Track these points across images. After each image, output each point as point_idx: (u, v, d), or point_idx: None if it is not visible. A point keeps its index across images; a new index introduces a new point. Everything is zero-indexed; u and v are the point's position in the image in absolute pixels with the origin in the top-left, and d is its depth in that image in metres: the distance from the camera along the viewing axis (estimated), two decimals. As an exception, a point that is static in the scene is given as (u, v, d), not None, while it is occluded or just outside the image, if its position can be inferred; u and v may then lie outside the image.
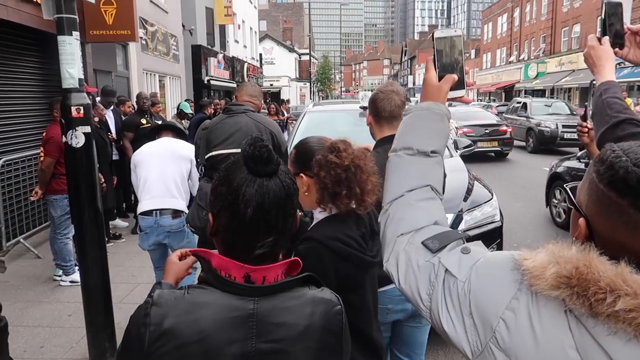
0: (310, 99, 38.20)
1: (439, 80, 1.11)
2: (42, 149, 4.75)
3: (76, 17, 3.26)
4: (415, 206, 1.01)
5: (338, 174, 1.58)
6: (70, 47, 3.19)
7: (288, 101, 23.48)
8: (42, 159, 4.72)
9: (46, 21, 6.22)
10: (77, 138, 3.22)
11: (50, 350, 3.54)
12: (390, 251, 0.99)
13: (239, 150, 3.29)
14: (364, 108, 5.33)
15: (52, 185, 4.70)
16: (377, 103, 2.32)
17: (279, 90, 37.91)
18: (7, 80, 6.09)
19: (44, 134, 4.82)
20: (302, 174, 1.66)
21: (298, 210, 1.08)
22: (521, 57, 38.56)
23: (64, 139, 3.27)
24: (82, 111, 3.20)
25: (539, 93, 32.68)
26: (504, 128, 13.35)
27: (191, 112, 9.62)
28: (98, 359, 3.30)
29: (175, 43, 14.54)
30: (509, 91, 39.14)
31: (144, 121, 6.48)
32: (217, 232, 1.02)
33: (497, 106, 26.25)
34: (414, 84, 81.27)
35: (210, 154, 3.10)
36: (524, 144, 15.39)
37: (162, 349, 0.90)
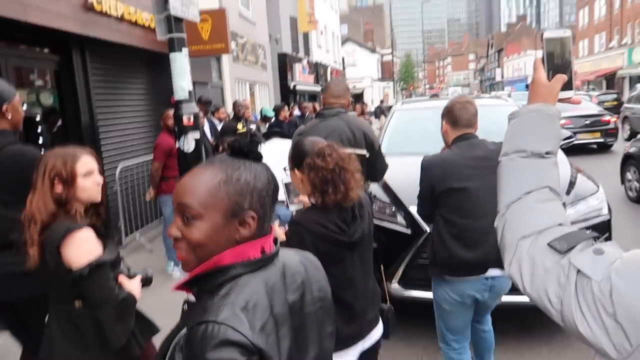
0: (394, 98, 37.91)
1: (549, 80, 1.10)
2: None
3: (185, 35, 3.64)
4: (536, 208, 0.98)
5: (324, 176, 1.91)
6: (180, 63, 3.58)
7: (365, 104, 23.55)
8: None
9: (153, 41, 6.92)
10: (188, 143, 3.59)
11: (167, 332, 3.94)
12: (512, 256, 0.96)
13: None
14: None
15: (162, 187, 5.21)
16: (454, 112, 2.57)
17: (362, 92, 38.07)
18: (122, 96, 6.81)
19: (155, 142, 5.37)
20: (296, 170, 2.04)
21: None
22: (623, 42, 35.45)
23: (176, 145, 3.67)
24: (192, 119, 3.58)
25: (646, 78, 29.86)
26: (607, 118, 12.40)
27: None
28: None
29: (262, 52, 15.22)
30: (610, 79, 36.15)
31: (240, 126, 6.94)
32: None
33: (598, 95, 24.38)
34: (502, 77, 77.69)
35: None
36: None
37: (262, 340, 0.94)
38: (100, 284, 1.81)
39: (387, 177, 3.69)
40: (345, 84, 3.54)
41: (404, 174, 4.23)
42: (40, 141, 5.53)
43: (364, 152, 3.22)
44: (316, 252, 1.73)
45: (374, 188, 4.05)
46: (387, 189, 4.10)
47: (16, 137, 2.41)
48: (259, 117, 9.36)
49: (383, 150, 5.13)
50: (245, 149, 1.05)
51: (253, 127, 7.31)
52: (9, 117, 2.33)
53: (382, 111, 18.48)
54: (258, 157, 1.08)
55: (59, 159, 1.90)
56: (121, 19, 6.08)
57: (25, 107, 5.30)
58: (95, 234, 1.90)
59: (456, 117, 2.56)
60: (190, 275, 1.02)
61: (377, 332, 2.10)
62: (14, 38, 5.03)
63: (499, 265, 2.25)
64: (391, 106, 19.37)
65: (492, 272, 2.51)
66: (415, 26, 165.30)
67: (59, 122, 5.90)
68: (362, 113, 10.86)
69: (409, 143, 5.18)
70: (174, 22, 3.52)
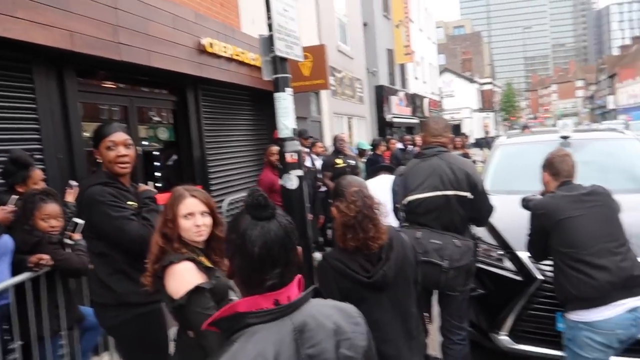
0: (495, 129, 36.40)
1: None
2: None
3: (289, 75, 3.76)
4: None
5: (346, 221, 2.05)
6: (284, 102, 3.69)
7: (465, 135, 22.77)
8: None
9: (257, 79, 7.28)
10: (292, 181, 3.66)
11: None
12: None
13: (435, 194, 3.26)
14: (564, 137, 4.94)
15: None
16: (555, 165, 2.85)
17: (460, 123, 37.04)
18: (228, 132, 7.21)
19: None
20: (333, 207, 2.17)
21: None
22: None
23: (279, 182, 3.75)
24: (295, 157, 3.65)
25: None
26: None
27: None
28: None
29: (360, 86, 15.43)
30: None
31: (339, 161, 7.00)
32: (234, 273, 1.20)
33: None
34: (615, 104, 71.58)
35: (408, 199, 3.13)
36: None
37: None
38: (199, 311, 1.86)
39: (493, 217, 3.47)
40: (444, 121, 3.42)
41: (511, 215, 3.95)
42: (158, 173, 5.99)
43: (466, 194, 3.05)
44: (337, 289, 2.03)
45: (479, 228, 3.82)
46: (492, 230, 3.84)
47: (106, 176, 2.50)
48: (356, 150, 9.39)
49: (486, 187, 4.86)
50: (259, 205, 1.17)
51: (352, 162, 7.32)
52: (100, 161, 2.52)
53: (487, 142, 17.75)
54: (270, 216, 1.17)
55: (170, 199, 2.08)
56: (230, 59, 6.49)
57: (145, 143, 5.78)
58: (198, 266, 1.99)
59: (557, 170, 2.83)
60: (213, 318, 1.14)
61: None
62: (137, 81, 5.55)
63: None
64: (494, 137, 18.55)
65: (634, 302, 2.42)
66: (516, 53, 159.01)
67: (174, 156, 6.35)
68: (463, 146, 10.46)
69: (515, 180, 4.86)
70: (279, 63, 3.65)
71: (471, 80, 44.82)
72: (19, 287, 2.91)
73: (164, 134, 6.35)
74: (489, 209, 3.19)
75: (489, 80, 44.76)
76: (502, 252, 3.65)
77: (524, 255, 3.43)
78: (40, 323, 3.03)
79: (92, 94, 4.85)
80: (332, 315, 1.17)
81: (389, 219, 2.98)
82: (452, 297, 3.11)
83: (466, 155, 9.81)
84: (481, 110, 45.70)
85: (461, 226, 3.09)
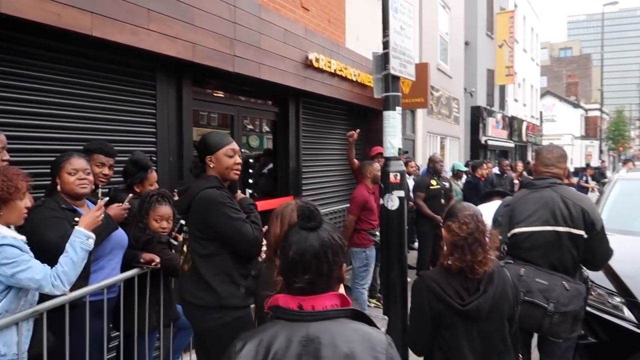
0: (599, 159, 33.73)
1: None
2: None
3: (400, 94, 3.68)
4: None
5: (455, 241, 2.08)
6: (393, 121, 3.61)
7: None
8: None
9: (356, 95, 7.29)
10: (393, 201, 3.56)
11: None
12: None
13: (544, 229, 3.05)
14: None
15: (354, 239, 5.29)
16: None
17: (560, 150, 34.75)
18: (323, 145, 7.27)
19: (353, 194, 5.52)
20: (444, 227, 2.22)
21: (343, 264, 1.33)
22: None
23: (381, 201, 3.66)
24: (398, 177, 3.55)
25: None
26: None
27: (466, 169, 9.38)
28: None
29: (456, 106, 14.99)
30: None
31: (433, 182, 6.78)
32: (280, 270, 1.34)
33: None
34: None
35: (513, 231, 2.93)
36: None
37: None
38: None
39: (611, 259, 3.15)
40: (559, 150, 3.15)
41: (633, 259, 3.58)
42: (251, 181, 6.16)
43: (581, 232, 2.78)
44: (429, 309, 2.11)
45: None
46: (610, 273, 3.50)
47: (217, 181, 2.60)
48: (449, 172, 9.07)
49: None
50: (305, 215, 1.30)
51: (446, 184, 7.08)
52: (211, 167, 2.62)
53: (601, 174, 16.49)
54: (313, 228, 1.29)
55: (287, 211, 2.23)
56: (333, 74, 6.55)
57: (244, 150, 5.98)
58: None
59: None
60: (267, 304, 1.32)
61: None
62: (243, 92, 5.76)
63: None
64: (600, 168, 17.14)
65: None
66: (629, 78, 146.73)
67: (270, 165, 6.51)
68: (567, 176, 9.62)
69: (635, 220, 4.43)
70: (391, 81, 3.58)
71: (576, 105, 42.02)
72: (125, 282, 3.08)
73: (264, 143, 6.54)
74: (605, 252, 2.88)
75: (596, 106, 41.61)
76: (620, 300, 3.31)
77: (651, 306, 3.09)
78: (142, 318, 3.18)
79: (204, 102, 5.11)
80: (353, 340, 1.20)
81: None
82: (554, 343, 2.84)
83: (574, 186, 9.12)
84: (584, 137, 42.60)
85: (572, 267, 2.83)
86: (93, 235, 2.50)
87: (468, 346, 2.07)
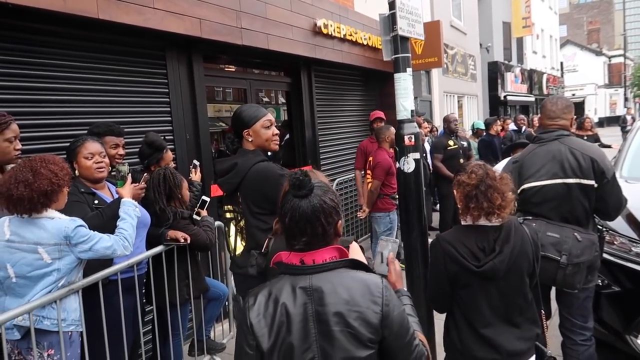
0: (624, 107, 32.75)
1: None
2: (369, 172, 5.44)
3: (409, 55, 3.62)
4: None
5: (468, 192, 2.08)
6: (404, 83, 3.56)
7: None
8: (369, 180, 5.40)
9: (369, 59, 7.19)
10: (409, 164, 3.55)
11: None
12: None
13: (554, 182, 3.01)
14: None
15: (377, 204, 5.32)
16: None
17: (583, 100, 33.81)
18: (338, 112, 7.25)
19: (370, 159, 5.51)
20: (454, 185, 2.23)
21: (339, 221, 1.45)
22: None
23: (397, 165, 3.66)
24: (413, 139, 3.52)
25: None
26: None
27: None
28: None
29: (472, 62, 14.66)
30: None
31: (451, 142, 6.72)
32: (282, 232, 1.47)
33: None
34: None
35: (523, 187, 2.91)
36: None
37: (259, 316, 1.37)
38: None
39: (634, 207, 3.11)
40: (564, 101, 3.06)
41: (657, 205, 3.53)
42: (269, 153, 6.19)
43: (591, 182, 2.74)
44: (445, 270, 2.15)
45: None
46: (633, 222, 3.46)
47: (266, 155, 2.63)
48: (469, 131, 8.97)
49: (624, 174, 4.36)
50: (295, 184, 1.40)
51: (465, 143, 7.01)
52: (250, 140, 2.59)
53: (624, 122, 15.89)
54: (304, 195, 1.39)
55: (327, 180, 2.11)
56: (343, 39, 6.46)
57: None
58: None
59: None
60: (273, 261, 1.47)
61: None
62: (254, 64, 5.74)
63: None
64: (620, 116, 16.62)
65: None
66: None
67: (287, 136, 6.54)
68: (591, 128, 9.39)
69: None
70: (400, 43, 3.52)
71: (598, 53, 40.62)
72: (154, 258, 3.19)
73: (279, 115, 6.55)
74: (618, 201, 2.81)
75: (619, 52, 40.11)
76: (644, 248, 3.29)
77: (675, 252, 3.06)
78: (172, 291, 3.31)
79: (216, 78, 5.12)
80: (352, 287, 1.34)
81: None
82: (572, 294, 2.85)
83: (597, 139, 8.93)
84: (608, 86, 41.30)
85: (584, 218, 2.80)
86: (137, 204, 2.73)
87: (487, 304, 2.11)
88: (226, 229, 2.75)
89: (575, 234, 2.69)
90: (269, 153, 2.69)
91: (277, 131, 2.66)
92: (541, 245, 2.66)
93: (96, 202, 2.83)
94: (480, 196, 2.05)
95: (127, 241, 2.54)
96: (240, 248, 2.64)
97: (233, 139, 2.67)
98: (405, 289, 1.75)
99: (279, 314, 1.35)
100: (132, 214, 2.65)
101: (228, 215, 2.69)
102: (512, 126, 10.16)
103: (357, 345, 1.32)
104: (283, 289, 1.37)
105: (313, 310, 1.33)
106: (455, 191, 2.21)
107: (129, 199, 2.73)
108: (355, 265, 1.42)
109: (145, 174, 3.28)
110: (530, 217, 2.84)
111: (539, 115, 11.10)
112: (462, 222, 2.20)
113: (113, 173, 2.97)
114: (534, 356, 2.19)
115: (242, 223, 2.59)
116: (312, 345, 1.33)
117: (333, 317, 1.32)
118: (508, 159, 3.39)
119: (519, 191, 2.91)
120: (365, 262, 1.93)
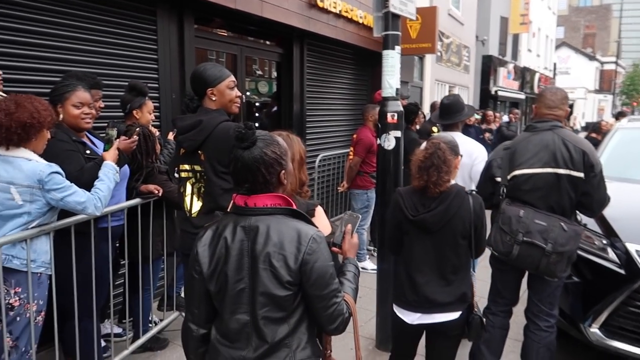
0: (611, 113, 33.20)
1: None
2: (351, 149, 5.49)
3: (399, 33, 3.65)
4: None
5: (417, 163, 2.41)
6: (392, 60, 3.59)
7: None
8: (350, 157, 5.45)
9: (363, 38, 7.18)
10: (389, 141, 3.61)
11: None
12: None
13: (545, 170, 3.05)
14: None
15: (356, 181, 5.38)
16: None
17: (572, 104, 34.18)
18: (328, 88, 7.25)
19: (354, 136, 5.55)
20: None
21: (283, 172, 1.57)
22: None
23: (377, 141, 3.71)
24: (395, 117, 3.58)
25: None
26: None
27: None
28: (383, 342, 3.64)
29: (467, 54, 14.69)
30: None
31: (435, 129, 6.78)
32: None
33: None
34: None
35: (514, 173, 2.94)
36: None
37: (205, 250, 1.56)
38: None
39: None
40: (562, 93, 3.11)
41: (623, 204, 3.64)
42: (257, 124, 6.20)
43: (580, 174, 2.81)
44: (393, 217, 2.53)
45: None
46: (600, 217, 3.57)
47: (229, 116, 2.58)
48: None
49: (599, 172, 4.45)
50: (239, 137, 1.52)
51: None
52: (213, 99, 2.55)
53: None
54: (247, 147, 1.51)
55: (301, 146, 2.06)
56: (338, 15, 6.44)
57: (248, 93, 5.98)
58: None
59: None
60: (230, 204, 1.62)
61: (444, 317, 2.41)
62: (247, 31, 5.70)
63: None
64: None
65: None
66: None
67: (275, 108, 6.53)
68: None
69: (632, 168, 4.46)
70: (391, 20, 3.54)
71: (591, 58, 40.89)
72: (130, 211, 3.20)
73: (268, 86, 6.53)
74: (602, 198, 2.86)
75: (612, 59, 40.45)
76: (606, 242, 3.40)
77: (634, 249, 3.16)
78: (146, 246, 3.34)
79: (207, 40, 5.08)
80: (284, 233, 1.48)
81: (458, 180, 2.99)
82: (547, 282, 2.94)
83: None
84: (598, 91, 41.73)
85: (569, 210, 2.86)
86: (119, 170, 2.77)
87: (421, 252, 2.44)
88: (182, 189, 2.67)
89: (562, 223, 2.75)
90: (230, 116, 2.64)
91: (239, 93, 2.64)
92: (528, 232, 2.74)
93: (87, 152, 2.81)
94: (423, 170, 2.38)
95: (100, 202, 2.54)
96: (196, 208, 2.60)
97: (192, 97, 2.61)
98: (355, 259, 1.87)
99: (220, 246, 1.53)
100: (111, 177, 2.67)
101: (184, 174, 2.63)
102: (505, 118, 10.59)
103: (277, 285, 1.47)
104: (227, 225, 1.55)
105: (249, 247, 1.50)
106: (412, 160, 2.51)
107: (111, 162, 2.72)
108: (296, 215, 1.56)
109: (138, 128, 3.25)
110: (519, 203, 2.88)
111: (517, 110, 11.66)
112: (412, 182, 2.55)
113: (102, 135, 2.95)
114: (458, 313, 2.43)
115: (200, 182, 2.56)
116: (244, 278, 1.50)
117: (262, 255, 1.47)
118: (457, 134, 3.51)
119: (509, 177, 2.95)
120: (329, 225, 2.00)
